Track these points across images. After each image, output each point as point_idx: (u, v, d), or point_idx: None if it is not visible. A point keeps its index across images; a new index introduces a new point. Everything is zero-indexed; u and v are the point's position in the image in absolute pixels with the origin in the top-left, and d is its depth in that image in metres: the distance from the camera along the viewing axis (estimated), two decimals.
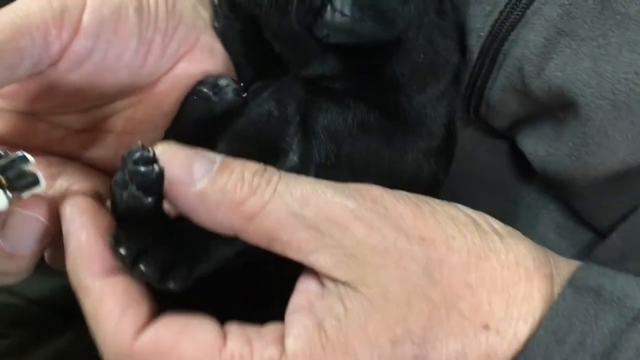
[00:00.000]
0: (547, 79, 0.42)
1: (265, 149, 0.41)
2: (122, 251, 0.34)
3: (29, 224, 0.36)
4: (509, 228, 0.38)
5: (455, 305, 0.34)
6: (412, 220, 0.35)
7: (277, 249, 0.34)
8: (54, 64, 0.39)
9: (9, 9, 0.37)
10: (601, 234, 0.46)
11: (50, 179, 0.41)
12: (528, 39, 0.43)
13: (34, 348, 0.54)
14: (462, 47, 0.46)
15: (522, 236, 0.38)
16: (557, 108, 0.43)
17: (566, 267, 0.38)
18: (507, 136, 0.49)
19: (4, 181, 0.33)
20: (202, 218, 0.34)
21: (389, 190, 0.36)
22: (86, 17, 0.38)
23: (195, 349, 0.33)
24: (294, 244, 0.34)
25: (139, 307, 0.34)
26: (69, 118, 0.44)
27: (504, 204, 0.50)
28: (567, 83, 0.41)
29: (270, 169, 0.35)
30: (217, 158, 0.35)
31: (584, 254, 0.47)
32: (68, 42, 0.38)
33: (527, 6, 0.42)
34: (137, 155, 0.34)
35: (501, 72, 0.45)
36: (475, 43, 0.46)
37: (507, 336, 0.34)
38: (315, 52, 0.40)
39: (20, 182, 0.34)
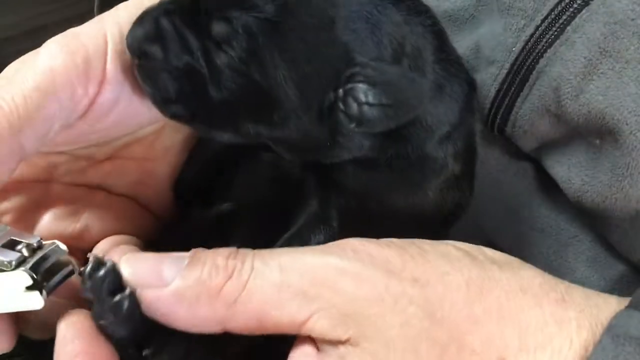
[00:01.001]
0: (586, 102, 0.39)
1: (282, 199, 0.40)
2: None
3: (57, 310, 0.35)
4: (508, 256, 0.35)
5: (465, 342, 0.32)
6: (400, 263, 0.33)
7: (270, 327, 0.33)
8: (80, 118, 0.37)
9: (31, 68, 0.35)
10: (636, 267, 0.43)
11: (74, 216, 0.42)
12: (567, 58, 0.39)
13: None
14: (470, 79, 0.42)
15: (524, 263, 0.35)
16: (594, 134, 0.40)
17: (580, 294, 0.35)
18: (534, 158, 0.46)
19: (39, 279, 0.33)
20: (183, 318, 0.33)
21: (370, 239, 0.34)
22: (110, 66, 0.37)
23: None
24: (285, 317, 0.32)
25: None
26: (90, 150, 0.42)
27: (530, 232, 0.46)
28: (609, 108, 0.38)
29: (243, 250, 0.33)
30: (186, 254, 0.33)
31: (615, 287, 0.44)
32: (94, 96, 0.37)
33: (568, 22, 0.39)
34: (103, 279, 0.33)
35: (534, 90, 0.42)
36: (505, 58, 0.43)
37: None
38: (324, 145, 0.38)
39: (55, 277, 0.34)
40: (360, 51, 0.35)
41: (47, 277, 0.33)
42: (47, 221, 0.42)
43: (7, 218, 0.41)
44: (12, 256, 0.33)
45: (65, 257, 0.35)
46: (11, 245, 0.33)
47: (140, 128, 0.42)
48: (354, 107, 0.35)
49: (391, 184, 0.40)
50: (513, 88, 0.43)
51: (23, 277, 0.32)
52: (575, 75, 0.39)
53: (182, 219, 0.47)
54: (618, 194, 0.39)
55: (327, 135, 0.37)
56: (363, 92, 0.34)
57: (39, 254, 0.33)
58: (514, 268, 0.34)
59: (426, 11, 0.39)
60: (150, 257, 0.33)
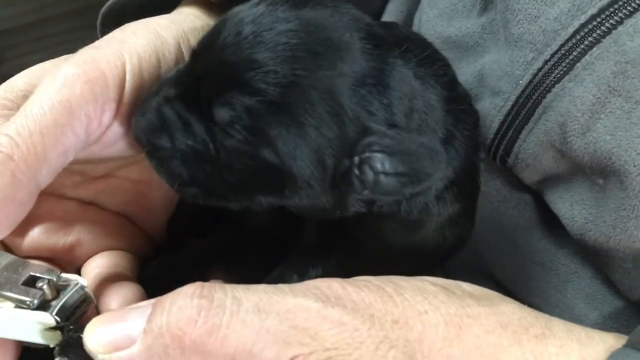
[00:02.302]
0: (593, 140, 0.38)
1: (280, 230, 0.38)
2: None
3: None
4: (486, 290, 0.35)
5: None
6: (381, 305, 0.31)
7: None
8: (90, 144, 0.37)
9: (48, 98, 0.34)
10: (635, 305, 0.42)
11: (65, 229, 0.41)
12: (575, 95, 0.38)
13: None
14: (477, 119, 0.42)
15: (503, 297, 0.34)
16: (598, 173, 0.39)
17: (561, 328, 0.34)
18: (535, 190, 0.45)
19: (62, 322, 0.32)
20: None
21: (348, 281, 0.33)
22: (125, 99, 0.37)
23: None
24: None
25: None
26: (86, 166, 0.41)
27: (530, 266, 0.45)
28: (616, 149, 0.37)
29: (209, 285, 0.31)
30: (150, 302, 0.31)
31: (613, 325, 0.43)
32: (107, 127, 0.37)
33: (578, 59, 0.38)
34: None
35: (540, 125, 0.41)
36: (511, 90, 0.42)
37: None
38: (334, 208, 0.38)
39: (75, 314, 0.33)
40: (373, 118, 0.34)
41: (70, 316, 0.33)
42: (38, 234, 0.41)
43: None
44: (33, 295, 0.32)
45: (84, 293, 0.34)
46: (32, 281, 0.33)
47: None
48: (370, 175, 0.34)
49: (393, 229, 0.40)
50: (518, 120, 0.42)
51: (47, 319, 0.32)
52: (583, 113, 0.38)
53: (176, 247, 0.47)
54: (622, 235, 0.38)
55: (338, 199, 0.36)
56: (380, 161, 0.34)
57: (66, 296, 0.33)
58: (492, 302, 0.33)
59: (436, 60, 0.39)
60: (114, 317, 0.31)
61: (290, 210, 0.39)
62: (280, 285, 0.32)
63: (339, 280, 0.32)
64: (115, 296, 0.38)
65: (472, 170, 0.41)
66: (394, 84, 0.35)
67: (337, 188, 0.36)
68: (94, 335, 0.31)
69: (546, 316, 0.33)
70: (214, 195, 0.38)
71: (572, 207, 0.41)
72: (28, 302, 0.32)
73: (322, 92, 0.34)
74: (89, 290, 0.35)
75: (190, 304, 0.30)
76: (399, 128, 0.35)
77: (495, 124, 0.43)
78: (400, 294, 0.32)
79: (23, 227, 0.41)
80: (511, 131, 0.42)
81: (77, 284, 0.33)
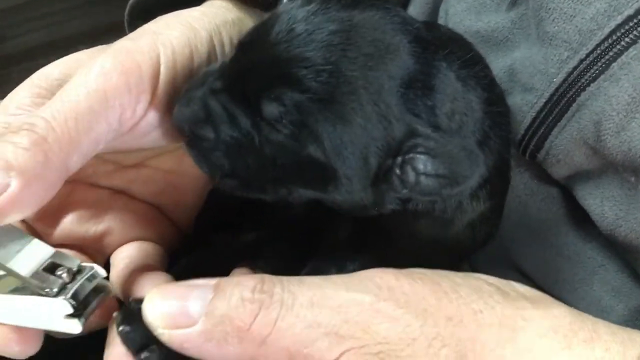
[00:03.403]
0: (627, 139, 0.38)
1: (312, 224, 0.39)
2: None
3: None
4: (538, 292, 0.35)
5: None
6: (435, 301, 0.32)
7: None
8: (123, 135, 0.37)
9: (83, 85, 0.34)
10: None
11: (96, 218, 0.41)
12: (611, 94, 0.39)
13: None
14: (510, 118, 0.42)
15: (553, 299, 0.35)
16: (631, 170, 0.40)
17: (606, 330, 0.34)
18: (562, 184, 0.46)
19: (79, 308, 0.32)
20: (214, 356, 0.32)
21: (403, 272, 0.33)
22: (160, 91, 0.37)
23: None
24: (316, 354, 0.31)
25: None
26: (119, 155, 0.42)
27: (557, 259, 0.46)
28: None
29: (269, 279, 0.32)
30: (210, 283, 0.32)
31: (637, 314, 0.44)
32: (140, 118, 0.37)
33: (614, 59, 0.38)
34: (130, 335, 0.34)
35: (573, 122, 0.41)
36: (544, 87, 0.42)
37: None
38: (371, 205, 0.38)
39: (93, 303, 0.33)
40: (418, 120, 0.35)
41: (86, 303, 0.33)
42: (70, 221, 0.42)
43: (30, 218, 0.41)
44: (53, 282, 0.32)
45: (103, 282, 0.34)
46: (51, 268, 0.33)
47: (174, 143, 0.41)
48: (412, 175, 0.35)
49: (426, 225, 0.41)
50: (551, 118, 0.42)
51: (64, 306, 0.32)
52: (618, 112, 0.38)
53: (202, 241, 0.47)
54: None
55: (376, 196, 0.37)
56: (423, 162, 0.35)
57: (79, 281, 0.33)
58: (545, 305, 0.34)
59: (478, 62, 0.39)
60: (175, 293, 0.32)
61: (324, 204, 0.40)
62: (334, 278, 0.32)
63: (393, 271, 0.33)
64: (148, 284, 0.38)
65: (504, 168, 0.42)
66: (439, 86, 0.36)
67: (376, 186, 0.37)
68: (153, 309, 0.32)
69: (592, 318, 0.34)
70: (253, 187, 0.38)
71: (602, 203, 0.42)
72: (47, 290, 0.32)
73: (371, 92, 0.34)
74: (109, 285, 0.35)
75: (252, 298, 0.31)
76: (442, 130, 0.36)
77: (527, 120, 0.43)
78: (456, 290, 0.32)
79: (55, 215, 0.41)
80: (543, 128, 0.43)
81: (93, 270, 0.34)
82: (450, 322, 0.31)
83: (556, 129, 0.42)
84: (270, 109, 0.35)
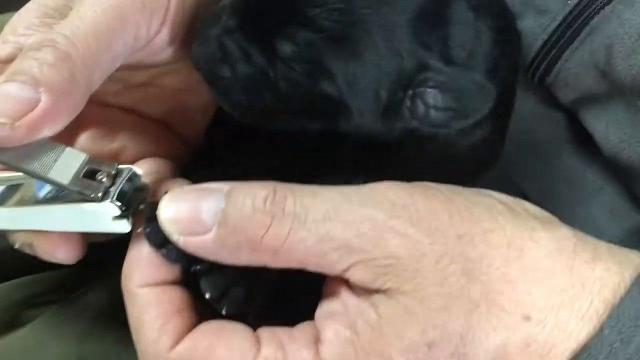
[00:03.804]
0: (637, 63, 0.39)
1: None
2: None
3: None
4: (547, 213, 0.36)
5: (496, 301, 0.32)
6: (447, 219, 0.33)
7: (310, 269, 0.33)
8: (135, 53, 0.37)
9: (99, 3, 0.34)
10: None
11: (110, 136, 0.41)
12: (624, 17, 0.39)
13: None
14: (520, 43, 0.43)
15: (560, 222, 0.36)
16: (638, 95, 0.41)
17: (605, 251, 0.36)
18: (569, 109, 0.47)
19: (125, 208, 0.33)
20: (228, 260, 0.33)
21: (417, 188, 0.34)
22: (172, 9, 0.37)
23: (230, 357, 0.33)
24: (327, 264, 0.32)
25: (180, 318, 0.34)
26: (127, 73, 0.41)
27: (556, 180, 0.48)
28: None
29: (280, 189, 0.32)
30: (223, 189, 0.32)
31: (631, 236, 0.46)
32: (154, 36, 0.37)
33: None
34: (152, 233, 0.34)
35: (585, 45, 0.42)
36: (558, 9, 0.43)
37: (548, 325, 0.33)
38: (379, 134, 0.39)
39: (136, 202, 0.34)
40: (430, 53, 0.36)
41: (130, 203, 0.33)
42: (84, 140, 0.42)
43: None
44: (96, 187, 0.33)
45: (142, 181, 0.35)
46: (91, 174, 0.33)
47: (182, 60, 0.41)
48: (422, 108, 0.36)
49: (429, 148, 0.42)
50: (562, 40, 0.43)
51: (112, 209, 0.33)
52: (630, 36, 0.39)
53: (213, 156, 0.48)
54: None
55: (386, 127, 0.38)
56: (433, 96, 0.35)
57: (121, 183, 0.33)
58: (553, 227, 0.35)
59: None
60: (189, 198, 0.33)
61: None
62: (348, 192, 0.33)
63: (407, 186, 0.33)
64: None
65: (509, 94, 0.43)
66: (451, 16, 0.36)
67: (386, 117, 0.38)
68: (168, 215, 0.33)
69: (594, 240, 0.35)
70: (272, 120, 0.40)
71: (607, 126, 0.43)
72: (92, 195, 0.33)
73: (383, 28, 0.35)
74: (148, 184, 0.36)
75: (264, 209, 0.32)
76: (453, 61, 0.36)
77: (539, 43, 0.44)
78: (468, 208, 0.33)
79: (70, 134, 0.42)
80: (554, 50, 0.43)
81: (132, 171, 0.34)
82: (460, 241, 0.32)
83: (567, 52, 0.43)
84: (284, 47, 0.36)
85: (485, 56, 0.39)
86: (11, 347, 0.46)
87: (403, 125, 0.38)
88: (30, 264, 0.49)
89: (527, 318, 0.33)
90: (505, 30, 0.40)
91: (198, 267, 0.35)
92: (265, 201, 0.32)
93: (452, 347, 0.32)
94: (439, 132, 0.39)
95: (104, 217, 0.33)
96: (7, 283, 0.49)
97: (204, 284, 0.35)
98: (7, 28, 0.38)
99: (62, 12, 0.37)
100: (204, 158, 0.49)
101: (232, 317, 0.35)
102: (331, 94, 0.36)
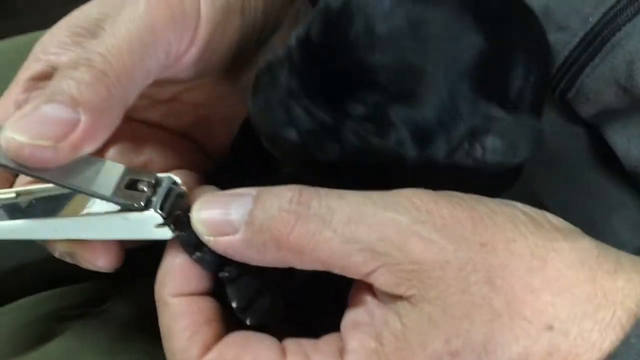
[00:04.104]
0: None
1: None
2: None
3: None
4: (570, 225, 0.37)
5: (518, 311, 0.33)
6: (470, 227, 0.33)
7: (335, 271, 0.34)
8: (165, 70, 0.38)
9: (132, 20, 0.35)
10: None
11: (137, 150, 0.43)
12: None
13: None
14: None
15: (582, 233, 0.37)
16: None
17: (629, 262, 0.36)
18: (589, 124, 0.47)
19: (167, 216, 0.34)
20: (255, 260, 0.34)
21: (442, 195, 0.34)
22: (202, 27, 0.38)
23: None
24: (352, 266, 0.33)
25: (209, 329, 0.35)
26: (153, 89, 0.42)
27: (577, 194, 0.48)
28: None
29: (306, 191, 0.33)
30: (252, 193, 0.34)
31: None
32: (183, 53, 0.38)
33: None
34: (185, 237, 0.35)
35: (606, 61, 0.42)
36: (579, 26, 0.43)
37: (571, 334, 0.33)
38: None
39: (176, 209, 0.35)
40: (490, 104, 0.37)
41: (172, 210, 0.35)
42: (114, 154, 0.43)
43: None
44: (138, 197, 0.34)
45: (181, 189, 0.36)
46: (132, 184, 0.34)
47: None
48: (479, 152, 0.38)
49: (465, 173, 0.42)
50: (584, 56, 0.43)
51: (155, 217, 0.34)
52: None
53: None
54: None
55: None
56: (492, 141, 0.37)
57: (162, 192, 0.34)
58: (575, 238, 0.35)
59: (539, 29, 0.41)
60: (219, 203, 0.34)
61: None
62: (373, 196, 0.34)
63: (432, 193, 0.34)
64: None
65: (540, 117, 0.44)
66: (509, 63, 0.38)
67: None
68: (199, 217, 0.34)
69: (616, 251, 0.36)
70: (332, 173, 0.40)
71: (628, 141, 0.43)
72: (136, 205, 0.34)
73: (446, 84, 0.36)
74: (186, 191, 0.37)
75: (289, 209, 0.33)
76: (510, 105, 0.38)
77: (560, 59, 0.45)
78: (492, 217, 0.34)
79: (101, 148, 0.43)
80: (575, 66, 0.44)
81: (171, 180, 0.35)
82: (483, 249, 0.33)
83: (588, 68, 0.44)
84: (356, 110, 0.37)
85: (532, 91, 0.40)
86: (44, 359, 0.47)
87: (457, 162, 0.39)
88: (56, 277, 0.50)
89: (550, 328, 0.33)
90: (547, 65, 0.42)
91: (226, 274, 0.36)
92: (290, 202, 0.33)
93: (475, 355, 0.33)
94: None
95: (147, 225, 0.34)
96: (37, 295, 0.50)
97: (230, 293, 0.36)
98: (39, 47, 0.40)
99: (93, 32, 0.38)
100: (229, 171, 0.50)
101: (257, 327, 0.36)
102: (396, 148, 0.38)
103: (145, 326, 0.45)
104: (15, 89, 0.40)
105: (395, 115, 0.37)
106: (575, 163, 0.48)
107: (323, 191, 0.34)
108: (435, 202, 0.34)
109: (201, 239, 0.34)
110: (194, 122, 0.46)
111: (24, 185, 0.39)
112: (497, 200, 0.36)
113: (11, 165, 0.32)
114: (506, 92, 0.38)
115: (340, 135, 0.38)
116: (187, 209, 0.35)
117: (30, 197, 0.37)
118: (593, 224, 0.48)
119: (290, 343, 0.35)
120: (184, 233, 0.35)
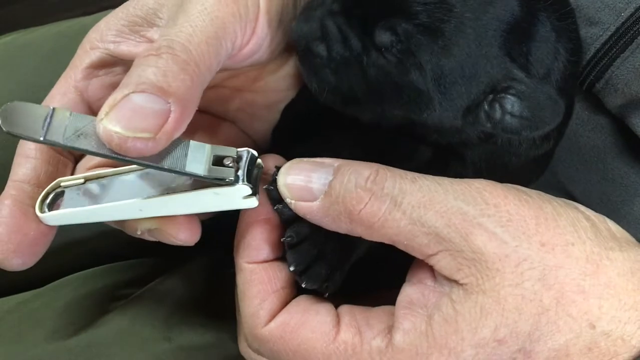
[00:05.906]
0: None
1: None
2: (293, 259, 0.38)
3: None
4: (627, 234, 0.38)
5: (566, 309, 0.34)
6: (534, 225, 0.35)
7: (399, 247, 0.36)
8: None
9: (206, 7, 0.36)
10: None
11: (188, 135, 0.42)
12: None
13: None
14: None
15: (637, 243, 0.38)
16: None
17: None
18: (615, 115, 0.50)
19: (254, 187, 0.37)
20: (329, 227, 0.37)
21: (512, 190, 0.36)
22: (261, 18, 0.39)
23: (313, 338, 0.36)
24: (415, 247, 0.35)
25: (277, 296, 0.37)
26: None
27: (601, 182, 0.50)
28: None
29: (383, 171, 0.35)
30: (334, 165, 0.36)
31: None
32: (245, 45, 0.39)
33: None
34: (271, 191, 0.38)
35: (636, 53, 0.45)
36: (611, 21, 0.45)
37: (613, 335, 0.35)
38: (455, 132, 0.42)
39: (258, 180, 0.38)
40: (514, 64, 0.39)
41: (256, 181, 0.37)
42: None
43: None
44: (227, 172, 0.36)
45: (259, 161, 0.38)
46: (218, 161, 0.36)
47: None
48: (498, 113, 0.39)
49: (499, 154, 0.45)
50: (615, 49, 0.46)
51: (244, 189, 0.36)
52: None
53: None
54: None
55: (463, 126, 0.41)
56: (511, 103, 0.39)
57: (245, 165, 0.36)
58: (630, 247, 0.36)
59: (571, 15, 0.43)
60: (304, 168, 0.37)
61: (405, 130, 0.43)
62: (445, 184, 0.35)
63: (503, 187, 0.35)
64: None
65: (571, 109, 0.46)
66: (536, 34, 0.40)
67: (465, 117, 0.41)
68: (285, 181, 0.37)
69: None
70: (354, 104, 0.42)
71: None
72: (227, 180, 0.36)
73: (477, 31, 0.38)
74: (262, 163, 0.39)
75: (364, 187, 0.35)
76: (532, 75, 0.39)
77: (590, 52, 0.47)
78: (555, 219, 0.35)
79: None
80: (605, 59, 0.46)
81: (250, 153, 0.37)
82: (542, 248, 0.34)
83: (619, 60, 0.46)
84: (383, 37, 0.39)
85: (560, 75, 0.42)
86: (103, 332, 0.48)
87: (479, 127, 0.40)
88: (101, 255, 0.51)
89: (593, 327, 0.35)
90: (577, 53, 0.44)
91: (288, 239, 0.38)
92: (367, 180, 0.35)
93: (520, 343, 0.34)
94: (510, 138, 0.42)
95: (236, 197, 0.36)
96: (87, 271, 0.51)
97: (290, 257, 0.38)
98: (95, 34, 0.40)
99: (150, 21, 0.39)
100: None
101: (312, 290, 0.38)
102: (418, 85, 0.39)
103: (200, 302, 0.46)
104: (74, 75, 0.40)
105: (419, 49, 0.38)
106: (599, 152, 0.51)
107: (398, 173, 0.35)
108: (505, 196, 0.35)
109: (284, 200, 0.37)
110: (238, 107, 0.47)
111: (87, 170, 0.40)
112: (563, 201, 0.37)
113: (112, 154, 0.32)
114: (532, 62, 0.40)
115: (363, 65, 0.40)
116: (276, 172, 0.37)
117: (97, 182, 0.38)
118: (616, 209, 0.50)
119: (345, 314, 0.37)
120: (272, 187, 0.37)
